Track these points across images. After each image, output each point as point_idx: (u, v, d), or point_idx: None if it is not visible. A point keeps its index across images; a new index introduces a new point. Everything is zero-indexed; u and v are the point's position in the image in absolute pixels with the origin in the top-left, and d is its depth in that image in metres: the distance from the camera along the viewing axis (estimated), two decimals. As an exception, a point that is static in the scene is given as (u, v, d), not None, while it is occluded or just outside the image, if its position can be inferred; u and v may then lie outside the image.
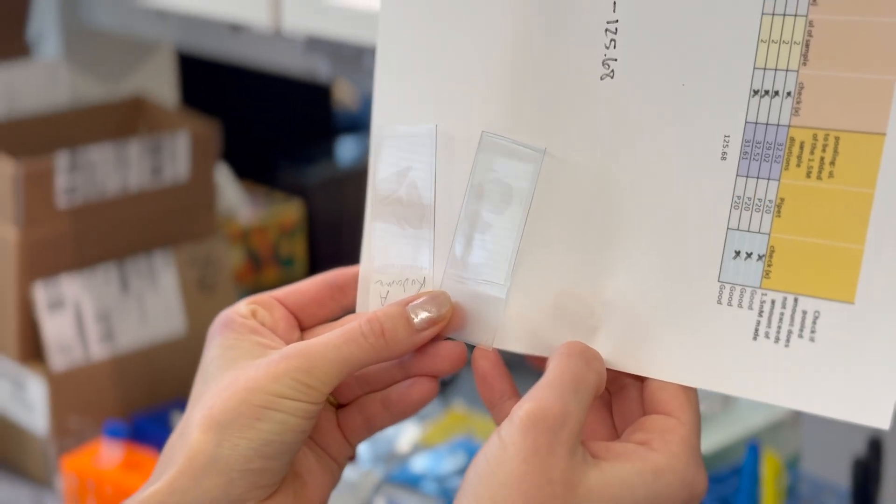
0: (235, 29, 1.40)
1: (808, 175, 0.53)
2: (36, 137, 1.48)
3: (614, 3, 0.57)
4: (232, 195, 1.73)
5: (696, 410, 0.56)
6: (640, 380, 0.58)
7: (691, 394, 0.56)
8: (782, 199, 0.54)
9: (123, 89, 1.64)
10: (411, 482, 1.24)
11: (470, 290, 0.59)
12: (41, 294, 1.36)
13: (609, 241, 0.58)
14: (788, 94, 0.54)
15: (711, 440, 1.24)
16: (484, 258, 0.59)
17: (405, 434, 1.38)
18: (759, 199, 0.54)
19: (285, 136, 2.00)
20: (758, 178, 0.55)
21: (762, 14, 0.54)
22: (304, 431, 0.57)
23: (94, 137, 1.49)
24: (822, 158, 0.53)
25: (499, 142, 0.59)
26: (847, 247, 0.53)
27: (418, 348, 0.60)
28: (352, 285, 0.63)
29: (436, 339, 0.60)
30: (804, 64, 0.53)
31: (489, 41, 0.59)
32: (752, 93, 0.54)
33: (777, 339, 0.54)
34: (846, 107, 0.52)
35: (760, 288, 0.55)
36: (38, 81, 1.56)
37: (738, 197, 0.55)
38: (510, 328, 0.59)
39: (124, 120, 1.56)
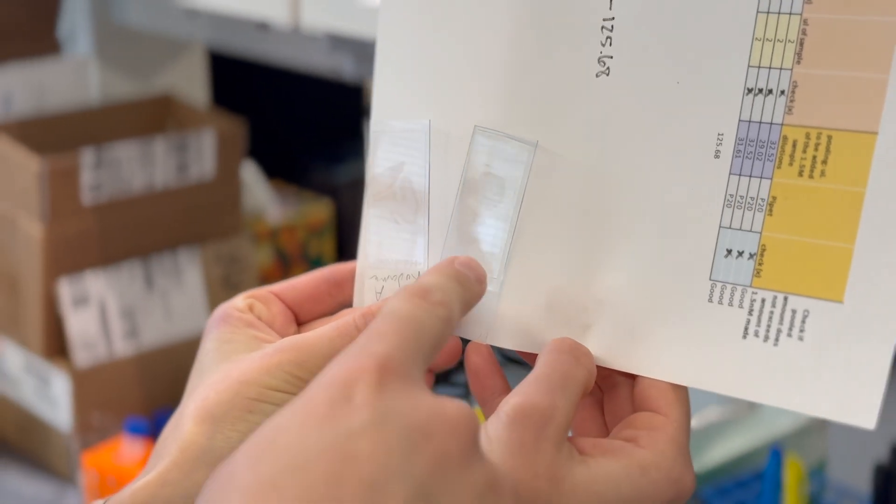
0: (263, 28, 1.41)
1: (801, 174, 0.53)
2: (64, 135, 1.49)
3: (610, 0, 0.57)
4: (261, 194, 1.74)
5: (685, 408, 0.56)
6: (632, 378, 0.57)
7: (681, 392, 0.56)
8: (774, 198, 0.54)
9: (154, 87, 1.65)
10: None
11: None
12: (66, 290, 1.37)
13: (602, 238, 0.57)
14: (782, 92, 0.53)
15: (735, 444, 1.24)
16: (477, 253, 0.59)
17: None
18: (752, 198, 0.54)
19: (315, 136, 2.01)
20: (750, 176, 0.54)
21: (757, 12, 0.54)
22: None
23: (123, 135, 1.50)
24: (814, 157, 0.53)
25: (491, 136, 0.59)
26: (837, 246, 0.52)
27: None
28: (349, 280, 0.63)
29: None
30: (798, 62, 0.53)
31: (486, 37, 0.59)
32: (746, 91, 0.54)
33: (766, 338, 0.54)
34: (839, 105, 0.52)
35: (751, 287, 0.54)
36: (68, 79, 1.57)
37: (731, 195, 0.55)
38: (502, 324, 0.59)
39: (153, 118, 1.58)
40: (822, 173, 0.53)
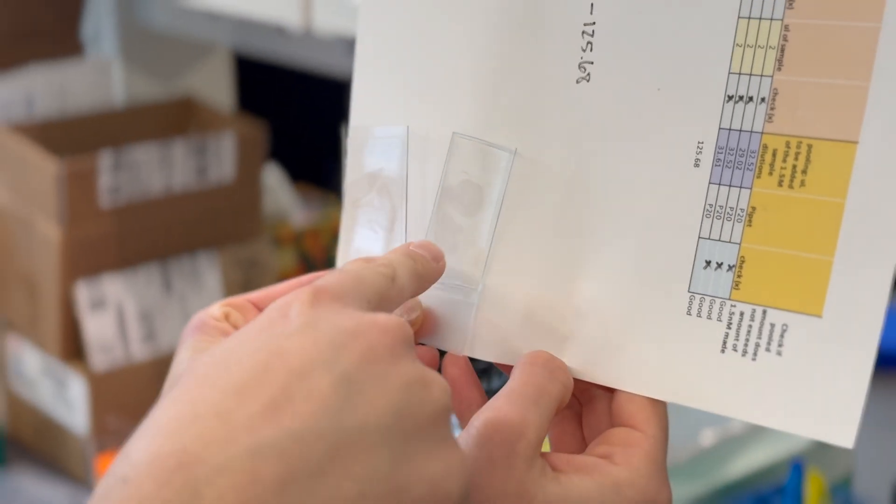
0: (283, 31, 1.40)
1: (780, 184, 0.52)
2: (86, 137, 1.49)
3: (591, 4, 0.55)
4: (284, 197, 1.74)
5: (662, 424, 0.54)
6: (611, 391, 0.56)
7: (659, 407, 0.55)
8: (754, 208, 0.52)
9: (179, 90, 1.65)
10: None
11: (441, 294, 0.58)
12: (83, 293, 1.37)
13: (581, 248, 0.56)
14: (763, 99, 0.52)
15: (756, 458, 1.22)
16: (455, 262, 0.58)
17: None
18: (731, 208, 0.53)
19: (341, 139, 1.99)
20: (730, 185, 0.53)
21: (738, 17, 0.52)
22: None
23: (144, 137, 1.50)
24: (794, 167, 0.51)
25: (469, 143, 0.57)
26: (817, 258, 0.51)
27: None
28: (328, 289, 0.62)
29: None
30: (779, 69, 0.51)
31: (465, 43, 0.58)
32: (727, 98, 0.53)
33: (745, 353, 0.52)
34: (819, 114, 0.51)
35: (730, 299, 0.53)
36: (90, 81, 1.57)
37: (710, 205, 0.53)
38: (479, 336, 0.58)
39: (175, 121, 1.57)
40: (802, 183, 0.51)
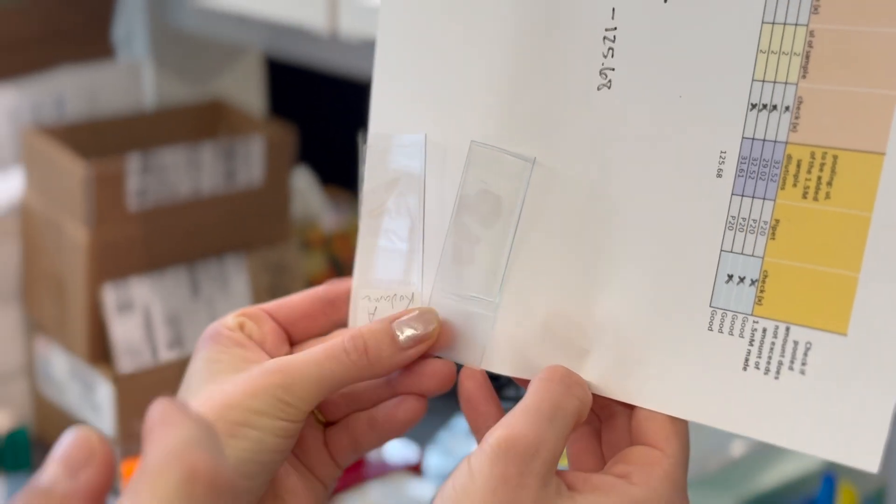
0: (312, 35, 1.39)
1: (805, 195, 0.50)
2: (116, 139, 1.49)
3: (613, 8, 0.54)
4: (314, 201, 1.73)
5: (683, 443, 0.53)
6: (631, 408, 0.55)
7: (680, 425, 0.53)
8: (777, 221, 0.51)
9: (209, 93, 1.64)
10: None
11: (459, 306, 0.57)
12: (110, 296, 1.36)
13: (601, 259, 0.55)
14: (787, 108, 0.50)
15: (787, 470, 1.20)
16: (473, 274, 0.56)
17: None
18: (754, 220, 0.51)
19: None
20: (753, 197, 0.51)
21: (762, 22, 0.51)
22: (283, 451, 0.55)
23: (174, 140, 1.49)
24: (819, 178, 0.50)
25: (488, 152, 0.56)
26: (841, 273, 0.49)
27: (406, 366, 0.57)
28: (344, 300, 0.61)
29: (424, 356, 0.57)
30: (804, 77, 0.50)
31: (485, 49, 0.57)
32: (751, 106, 0.51)
33: (767, 371, 0.51)
34: (845, 123, 0.49)
35: (752, 315, 0.51)
36: (121, 83, 1.57)
37: (733, 217, 0.52)
38: (497, 349, 0.56)
39: (204, 124, 1.57)
40: (827, 195, 0.49)
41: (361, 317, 0.59)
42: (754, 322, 0.51)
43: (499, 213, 0.56)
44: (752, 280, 0.51)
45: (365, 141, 0.59)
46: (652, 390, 0.53)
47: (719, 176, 0.52)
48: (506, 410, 0.53)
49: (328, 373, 0.55)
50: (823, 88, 0.49)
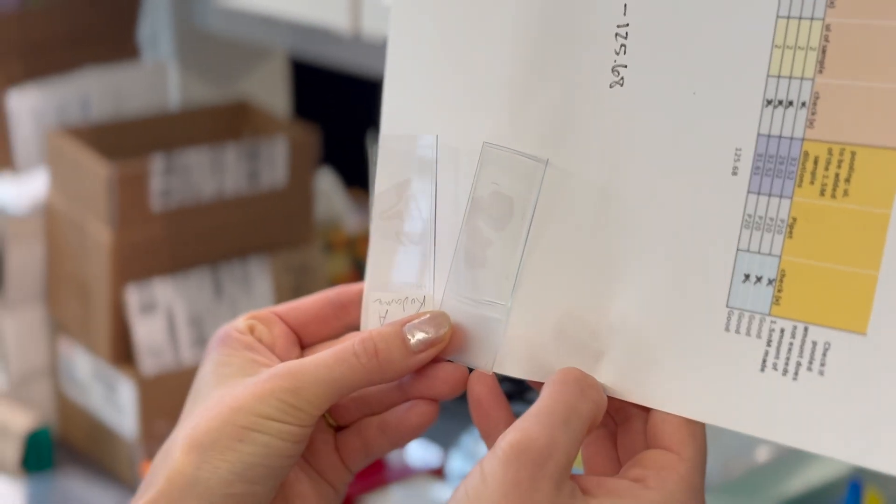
0: (337, 36, 1.39)
1: (822, 193, 0.49)
2: (141, 140, 1.49)
3: (625, 5, 0.53)
4: (337, 203, 1.72)
5: (699, 446, 0.52)
6: (647, 410, 0.53)
7: (696, 428, 0.52)
8: (794, 219, 0.49)
9: (234, 94, 1.64)
10: None
11: (471, 310, 0.56)
12: (133, 297, 1.36)
13: (614, 261, 0.54)
14: (803, 104, 0.49)
15: (812, 476, 1.19)
16: (485, 276, 0.55)
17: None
18: (771, 219, 0.50)
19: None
20: (769, 195, 0.50)
21: (777, 17, 0.49)
22: (291, 456, 0.54)
23: (199, 141, 1.49)
24: (836, 175, 0.48)
25: (501, 153, 0.55)
26: (860, 272, 0.48)
27: (417, 370, 0.56)
28: (355, 303, 0.60)
29: (435, 360, 0.56)
30: (820, 72, 0.49)
31: (496, 48, 0.56)
32: (766, 102, 0.50)
33: (785, 372, 0.50)
34: (863, 119, 0.48)
35: (770, 315, 0.50)
36: (146, 84, 1.57)
37: (749, 215, 0.50)
38: (510, 351, 0.55)
39: (229, 124, 1.56)
40: (845, 193, 0.48)
41: (373, 320, 0.58)
42: (772, 322, 0.50)
43: (511, 215, 0.55)
44: (769, 279, 0.50)
45: (376, 142, 0.58)
46: (668, 392, 0.52)
47: (734, 174, 0.51)
48: (517, 414, 0.52)
49: (338, 376, 0.54)
50: (840, 84, 0.48)
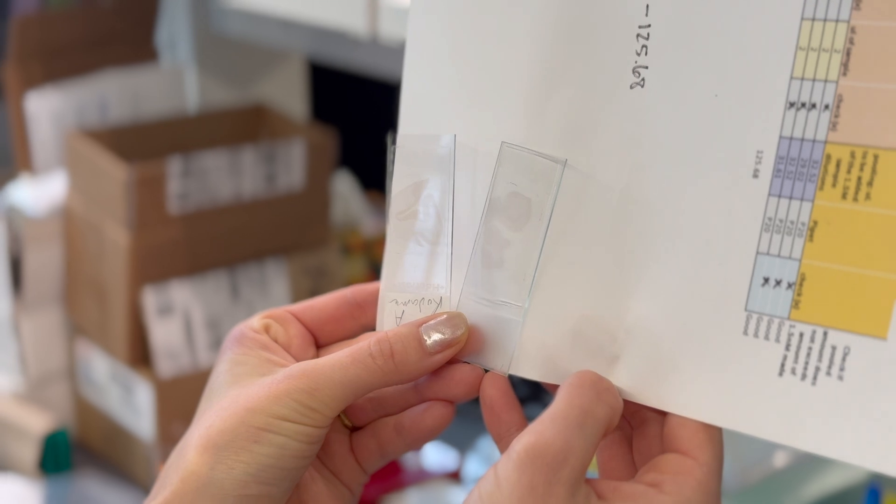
0: (355, 39, 1.39)
1: (844, 196, 0.48)
2: (158, 142, 1.49)
3: (647, 5, 0.53)
4: (355, 205, 1.72)
5: (716, 451, 0.51)
6: (663, 414, 0.53)
7: (713, 433, 0.51)
8: (815, 222, 0.49)
9: (252, 97, 1.64)
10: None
11: (487, 311, 0.55)
12: (151, 299, 1.36)
13: (632, 263, 0.53)
14: (826, 106, 0.49)
15: (831, 482, 1.18)
16: (502, 277, 0.55)
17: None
18: (792, 222, 0.49)
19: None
20: (791, 198, 0.50)
21: (801, 19, 0.49)
22: (306, 457, 0.54)
23: (216, 144, 1.49)
24: (859, 178, 0.48)
25: (519, 153, 0.55)
26: (881, 276, 0.47)
27: (433, 371, 0.56)
28: (371, 303, 0.59)
29: (452, 362, 0.56)
30: (844, 74, 0.48)
31: (516, 48, 0.55)
32: (788, 105, 0.49)
33: (804, 377, 0.49)
34: (886, 122, 0.47)
35: (789, 319, 0.50)
36: (164, 87, 1.57)
37: (770, 218, 0.50)
38: (526, 353, 0.55)
39: (246, 127, 1.56)
40: (868, 196, 0.48)
41: (389, 320, 0.58)
42: (791, 326, 0.50)
43: (529, 216, 0.55)
44: (788, 283, 0.50)
45: (394, 142, 0.58)
46: (684, 396, 0.52)
47: (755, 176, 0.50)
48: (530, 418, 0.52)
49: (353, 377, 0.54)
50: (864, 86, 0.48)
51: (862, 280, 0.48)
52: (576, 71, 0.54)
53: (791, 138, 0.49)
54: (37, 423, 1.38)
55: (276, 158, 1.42)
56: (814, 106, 0.49)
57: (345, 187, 1.70)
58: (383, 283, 0.58)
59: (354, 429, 0.59)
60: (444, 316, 0.55)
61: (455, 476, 1.31)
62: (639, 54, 0.53)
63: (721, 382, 0.51)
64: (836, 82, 0.48)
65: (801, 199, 0.49)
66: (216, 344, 1.40)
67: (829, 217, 0.49)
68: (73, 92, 1.51)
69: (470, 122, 0.57)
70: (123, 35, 1.58)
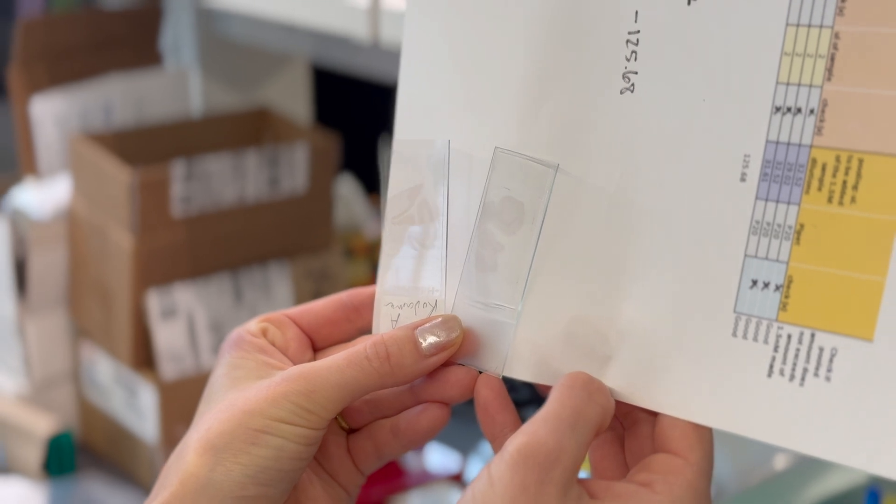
0: (354, 42, 1.39)
1: (830, 200, 0.49)
2: (162, 146, 1.50)
3: (636, 12, 0.53)
4: (358, 209, 1.73)
5: (706, 451, 0.52)
6: (654, 415, 0.54)
7: (704, 433, 0.52)
8: (802, 226, 0.50)
9: (255, 101, 1.65)
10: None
11: (482, 314, 0.56)
12: (154, 302, 1.37)
13: (623, 266, 0.54)
14: (811, 111, 0.49)
15: (831, 484, 1.19)
16: (496, 281, 0.56)
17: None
18: (779, 225, 0.50)
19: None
20: (777, 201, 0.50)
21: (787, 24, 0.50)
22: (304, 459, 0.55)
23: (220, 147, 1.50)
24: (844, 182, 0.49)
25: (512, 158, 0.56)
26: (867, 278, 0.48)
27: (428, 374, 0.57)
28: (368, 306, 0.60)
29: (447, 364, 0.57)
30: (829, 79, 0.49)
31: (509, 54, 0.56)
32: (774, 109, 0.50)
33: (792, 378, 0.50)
34: (871, 126, 0.48)
35: (777, 321, 0.50)
36: (168, 90, 1.58)
37: (757, 221, 0.51)
38: (519, 355, 0.56)
39: (250, 131, 1.57)
40: (853, 199, 0.49)
41: (385, 323, 0.58)
42: (779, 328, 0.50)
43: (522, 220, 0.55)
44: (776, 285, 0.50)
45: (389, 147, 0.59)
46: (674, 397, 0.52)
47: (743, 180, 0.51)
48: (524, 419, 0.53)
49: (350, 380, 0.55)
50: (849, 91, 0.49)
51: (848, 282, 0.49)
52: (567, 77, 0.55)
53: (777, 142, 0.50)
54: (41, 425, 1.39)
55: (279, 162, 1.43)
56: (799, 110, 0.50)
57: (348, 191, 1.71)
58: (379, 287, 0.59)
59: (351, 431, 0.60)
60: (440, 319, 0.56)
61: (457, 478, 1.32)
62: (628, 60, 0.54)
63: (711, 383, 0.52)
64: (821, 87, 0.49)
65: (788, 203, 0.50)
66: (219, 347, 1.41)
67: (816, 220, 0.49)
68: (78, 95, 1.52)
69: (464, 128, 0.57)
70: (127, 39, 1.59)
